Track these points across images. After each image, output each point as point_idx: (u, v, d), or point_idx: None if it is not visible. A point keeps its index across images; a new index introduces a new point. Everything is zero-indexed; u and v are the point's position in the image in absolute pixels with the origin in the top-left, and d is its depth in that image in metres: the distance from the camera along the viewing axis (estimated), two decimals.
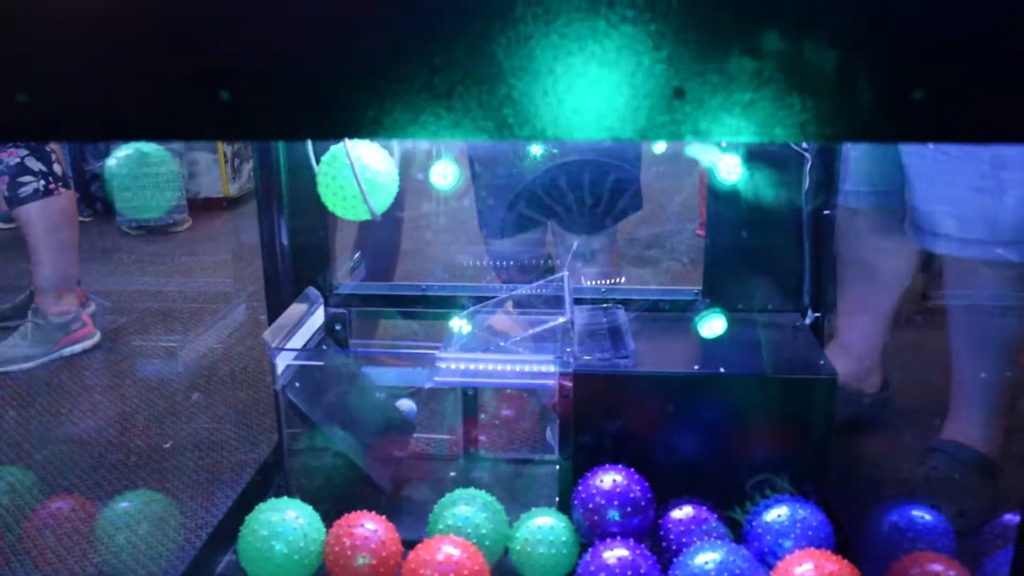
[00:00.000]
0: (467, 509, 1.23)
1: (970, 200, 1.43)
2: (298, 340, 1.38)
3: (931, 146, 1.48)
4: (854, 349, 1.83)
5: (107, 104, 0.54)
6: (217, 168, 3.84)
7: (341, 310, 1.52)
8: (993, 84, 0.47)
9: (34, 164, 2.26)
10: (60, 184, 2.30)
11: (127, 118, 0.54)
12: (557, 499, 1.29)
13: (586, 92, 0.48)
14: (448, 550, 1.15)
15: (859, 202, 1.71)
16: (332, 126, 0.52)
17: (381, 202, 1.29)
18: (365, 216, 1.29)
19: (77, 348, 2.35)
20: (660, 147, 1.88)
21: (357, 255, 2.16)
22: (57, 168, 2.31)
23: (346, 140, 1.25)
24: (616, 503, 1.20)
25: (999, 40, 0.46)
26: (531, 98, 0.48)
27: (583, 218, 1.81)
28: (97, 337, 2.41)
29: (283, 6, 0.50)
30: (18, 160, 2.24)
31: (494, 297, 1.48)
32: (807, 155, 1.39)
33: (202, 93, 0.52)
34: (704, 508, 1.22)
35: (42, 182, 2.26)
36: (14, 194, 2.25)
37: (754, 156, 1.38)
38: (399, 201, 1.65)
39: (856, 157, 1.69)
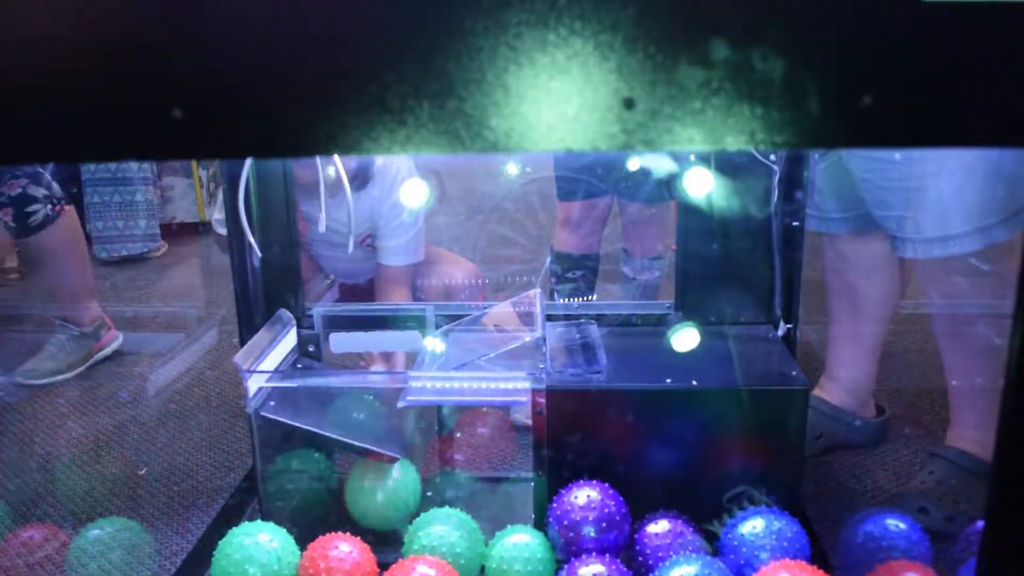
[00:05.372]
0: (442, 528, 1.22)
1: (937, 197, 1.41)
2: (270, 362, 1.37)
3: (872, 154, 1.46)
4: (847, 381, 1.76)
5: (62, 125, 0.54)
6: (192, 193, 3.83)
7: (313, 332, 1.52)
8: (938, 91, 0.47)
9: (36, 191, 2.24)
10: (63, 202, 2.30)
11: (82, 139, 0.54)
12: (532, 516, 1.29)
13: (536, 104, 0.48)
14: (423, 570, 1.14)
15: (838, 228, 1.67)
16: (287, 143, 0.52)
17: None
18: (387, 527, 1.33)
19: (108, 351, 2.41)
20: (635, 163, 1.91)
21: (330, 278, 2.15)
22: (55, 188, 2.30)
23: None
24: (591, 519, 1.20)
25: (943, 48, 0.47)
26: (482, 111, 0.48)
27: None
28: (121, 338, 2.46)
29: (236, 26, 0.50)
30: (20, 190, 2.22)
31: (467, 315, 1.48)
32: (775, 167, 1.39)
33: (155, 113, 0.52)
34: (679, 522, 1.22)
35: (48, 206, 2.25)
36: (24, 224, 2.23)
37: (723, 168, 1.39)
38: None
39: (831, 182, 1.64)
